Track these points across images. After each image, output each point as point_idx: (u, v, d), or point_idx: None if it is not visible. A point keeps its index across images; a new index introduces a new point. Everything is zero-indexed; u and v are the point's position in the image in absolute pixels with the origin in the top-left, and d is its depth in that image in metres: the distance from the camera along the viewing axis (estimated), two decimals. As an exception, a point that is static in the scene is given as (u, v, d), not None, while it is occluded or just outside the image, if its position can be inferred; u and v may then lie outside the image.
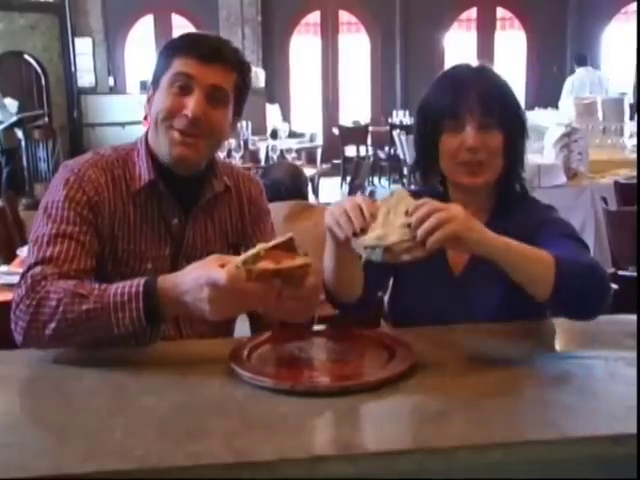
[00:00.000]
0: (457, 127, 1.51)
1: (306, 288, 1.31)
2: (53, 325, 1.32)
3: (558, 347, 1.42)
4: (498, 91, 1.54)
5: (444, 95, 1.53)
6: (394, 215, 1.29)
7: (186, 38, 1.56)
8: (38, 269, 1.39)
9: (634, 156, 5.96)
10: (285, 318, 1.41)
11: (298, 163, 5.76)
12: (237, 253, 1.61)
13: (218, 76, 1.51)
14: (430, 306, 1.58)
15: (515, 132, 1.55)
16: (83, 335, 1.33)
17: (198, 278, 1.27)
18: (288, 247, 1.30)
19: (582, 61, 9.75)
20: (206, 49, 1.50)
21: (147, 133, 1.61)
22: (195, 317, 1.33)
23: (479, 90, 1.50)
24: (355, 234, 1.30)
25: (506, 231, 1.36)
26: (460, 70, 1.58)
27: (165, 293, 1.31)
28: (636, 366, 1.27)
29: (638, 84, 8.58)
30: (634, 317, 1.55)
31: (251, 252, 1.26)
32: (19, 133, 8.24)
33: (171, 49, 1.54)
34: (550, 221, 1.53)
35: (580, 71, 9.61)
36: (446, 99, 1.52)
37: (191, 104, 1.48)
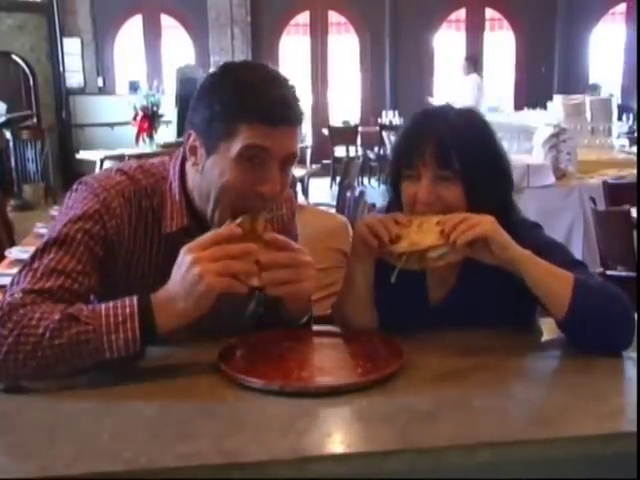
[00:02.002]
0: (414, 177, 1.46)
1: (271, 237, 1.30)
2: (39, 354, 1.20)
3: (548, 347, 1.43)
4: (456, 141, 1.43)
5: (402, 145, 1.51)
6: (427, 225, 1.37)
7: (249, 95, 1.30)
8: (19, 296, 1.26)
9: (622, 156, 6.01)
10: (281, 293, 1.32)
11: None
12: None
13: (292, 141, 1.33)
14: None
15: (479, 180, 1.44)
16: (66, 364, 1.21)
17: (180, 264, 1.23)
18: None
19: (476, 66, 9.92)
20: (277, 111, 1.29)
21: (182, 164, 1.43)
22: (193, 307, 1.22)
23: (435, 141, 1.43)
24: (391, 241, 1.36)
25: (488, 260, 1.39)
26: (423, 117, 1.52)
27: (158, 302, 1.23)
28: (635, 366, 1.28)
29: (639, 87, 8.63)
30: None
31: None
32: (7, 134, 8.20)
33: (232, 108, 1.29)
34: (547, 247, 1.46)
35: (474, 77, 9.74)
36: (403, 149, 1.50)
37: (267, 184, 1.31)
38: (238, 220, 1.28)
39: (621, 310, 1.35)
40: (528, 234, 1.50)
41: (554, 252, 1.47)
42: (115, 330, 1.21)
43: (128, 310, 1.23)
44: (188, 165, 1.40)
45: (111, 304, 1.24)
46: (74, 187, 1.43)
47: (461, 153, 1.43)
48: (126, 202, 1.39)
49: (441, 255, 1.34)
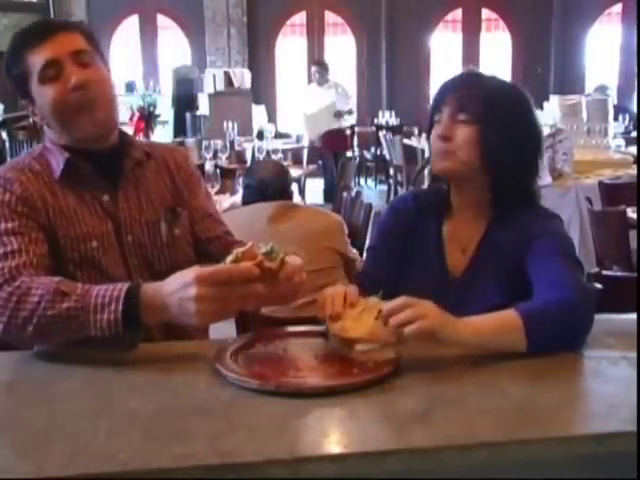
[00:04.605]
0: (439, 121, 1.59)
1: (285, 275, 1.35)
2: (34, 320, 1.31)
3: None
4: (478, 92, 1.57)
5: (435, 96, 1.65)
6: (368, 313, 1.34)
7: (20, 35, 1.60)
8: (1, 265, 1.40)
9: (618, 156, 6.02)
10: (270, 305, 1.45)
11: (284, 164, 5.75)
12: (175, 214, 1.67)
13: (71, 41, 1.55)
14: None
15: (496, 128, 1.54)
16: (61, 334, 1.33)
17: (184, 277, 1.27)
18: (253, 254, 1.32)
19: (328, 71, 8.71)
20: (41, 29, 1.56)
21: (46, 134, 1.64)
22: (177, 322, 1.31)
23: (459, 90, 1.58)
24: (332, 317, 1.37)
25: (504, 237, 1.48)
26: (455, 75, 1.65)
27: (147, 296, 1.30)
28: (633, 366, 1.29)
29: (639, 87, 8.64)
30: (617, 316, 1.57)
31: (230, 257, 1.30)
32: (3, 134, 8.18)
33: (13, 51, 1.58)
34: (548, 234, 1.54)
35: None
36: (435, 99, 1.63)
37: (71, 77, 1.52)
38: (261, 251, 1.31)
39: (577, 326, 1.37)
40: (540, 220, 1.58)
41: (554, 240, 1.53)
42: (101, 310, 1.30)
43: (116, 293, 1.31)
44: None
45: (104, 286, 1.33)
46: None
47: (482, 103, 1.54)
48: (18, 172, 1.56)
49: (368, 350, 1.32)
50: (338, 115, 8.63)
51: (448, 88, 1.61)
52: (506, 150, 1.56)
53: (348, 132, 8.90)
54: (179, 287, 1.27)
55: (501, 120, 1.55)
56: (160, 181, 1.69)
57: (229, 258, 1.30)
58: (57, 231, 1.53)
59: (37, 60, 1.53)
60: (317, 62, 9.07)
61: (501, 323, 1.35)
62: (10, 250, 1.43)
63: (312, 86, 8.87)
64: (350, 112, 8.98)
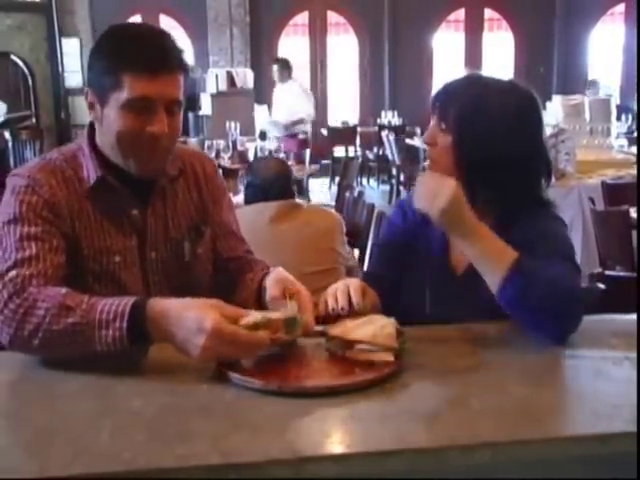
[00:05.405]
0: None
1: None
2: (40, 334, 1.29)
3: (546, 346, 1.43)
4: (454, 102, 1.59)
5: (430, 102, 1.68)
6: (370, 324, 1.36)
7: (129, 47, 1.45)
8: (14, 273, 1.37)
9: (621, 156, 6.01)
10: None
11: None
12: (199, 233, 1.66)
13: (173, 88, 1.47)
14: (430, 306, 1.63)
15: (469, 138, 1.56)
16: (67, 348, 1.30)
17: (201, 320, 1.24)
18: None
19: (291, 70, 8.06)
20: (154, 58, 1.43)
21: (89, 131, 1.58)
22: (174, 346, 1.30)
23: (440, 98, 1.62)
24: (329, 319, 1.42)
25: (506, 237, 1.47)
26: (445, 83, 1.67)
27: (154, 312, 1.28)
28: (636, 366, 1.29)
29: (639, 87, 8.63)
30: (620, 316, 1.57)
31: (252, 319, 1.28)
32: (6, 134, 8.20)
33: (114, 60, 1.44)
34: (550, 235, 1.56)
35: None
36: (431, 105, 1.67)
37: (155, 124, 1.45)
38: (284, 315, 1.32)
39: (558, 306, 1.37)
40: (543, 221, 1.58)
41: (555, 242, 1.54)
42: (105, 326, 1.28)
43: (120, 309, 1.29)
44: (95, 123, 1.55)
45: (109, 300, 1.31)
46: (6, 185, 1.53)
47: (455, 111, 1.58)
48: (49, 174, 1.51)
49: (368, 349, 1.32)
50: (287, 128, 7.98)
51: (437, 95, 1.64)
52: (482, 157, 1.55)
53: (301, 137, 8.09)
54: (191, 328, 1.25)
55: (474, 130, 1.56)
56: (188, 196, 1.66)
57: (251, 319, 1.28)
58: (81, 241, 1.51)
59: (133, 87, 1.42)
60: (276, 59, 8.47)
61: (500, 249, 1.41)
62: (28, 256, 1.40)
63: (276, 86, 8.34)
64: (300, 121, 8.13)
